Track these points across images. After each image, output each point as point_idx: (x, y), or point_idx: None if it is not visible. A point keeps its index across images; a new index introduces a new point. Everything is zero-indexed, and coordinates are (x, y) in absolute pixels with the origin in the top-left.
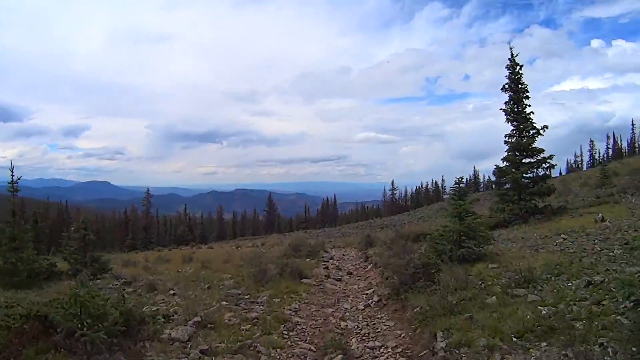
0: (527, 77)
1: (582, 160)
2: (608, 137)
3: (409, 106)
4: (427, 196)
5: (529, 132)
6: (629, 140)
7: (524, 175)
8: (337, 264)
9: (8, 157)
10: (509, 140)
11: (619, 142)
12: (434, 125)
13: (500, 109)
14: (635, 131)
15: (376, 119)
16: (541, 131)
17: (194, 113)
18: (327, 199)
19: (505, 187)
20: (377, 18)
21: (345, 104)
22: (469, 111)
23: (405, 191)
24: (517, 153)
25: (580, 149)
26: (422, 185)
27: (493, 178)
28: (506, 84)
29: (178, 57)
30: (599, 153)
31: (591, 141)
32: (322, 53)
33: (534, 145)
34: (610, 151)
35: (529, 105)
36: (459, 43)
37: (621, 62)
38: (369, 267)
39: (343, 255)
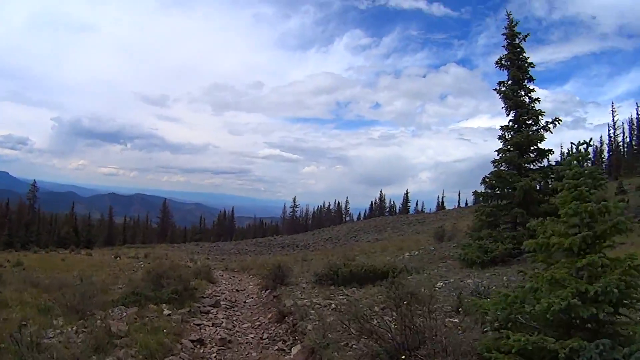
0: (437, 111)
1: None
2: None
3: (316, 127)
4: (329, 217)
5: (534, 125)
6: None
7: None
8: (224, 320)
9: None
10: (505, 135)
11: None
12: (338, 148)
13: (494, 89)
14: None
15: (282, 136)
16: (550, 126)
17: (102, 110)
18: (225, 211)
19: (490, 204)
20: (297, 38)
21: (253, 118)
22: (374, 138)
23: (307, 210)
24: (519, 152)
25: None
26: (324, 205)
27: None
28: (503, 57)
29: (95, 51)
30: None
31: None
32: (238, 66)
33: (539, 145)
34: None
35: (533, 90)
36: (374, 72)
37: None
38: (288, 340)
39: (237, 290)
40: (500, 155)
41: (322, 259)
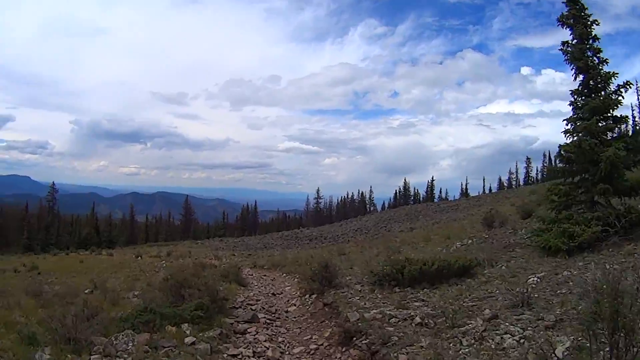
0: (455, 98)
1: (517, 178)
2: (544, 156)
3: (335, 118)
4: (352, 207)
5: (605, 89)
6: None
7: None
8: (267, 344)
9: None
10: (577, 100)
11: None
12: (358, 138)
13: (559, 50)
14: None
15: (301, 129)
16: (622, 90)
17: (120, 111)
18: (248, 205)
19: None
20: (312, 30)
21: (272, 112)
22: (393, 127)
23: (330, 201)
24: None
25: (516, 167)
26: (347, 196)
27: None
28: (566, 13)
29: (110, 53)
30: (536, 171)
31: (528, 159)
32: (254, 60)
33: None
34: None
35: (601, 50)
36: (391, 61)
37: (549, 89)
38: None
39: (273, 294)
40: (571, 124)
41: (361, 252)
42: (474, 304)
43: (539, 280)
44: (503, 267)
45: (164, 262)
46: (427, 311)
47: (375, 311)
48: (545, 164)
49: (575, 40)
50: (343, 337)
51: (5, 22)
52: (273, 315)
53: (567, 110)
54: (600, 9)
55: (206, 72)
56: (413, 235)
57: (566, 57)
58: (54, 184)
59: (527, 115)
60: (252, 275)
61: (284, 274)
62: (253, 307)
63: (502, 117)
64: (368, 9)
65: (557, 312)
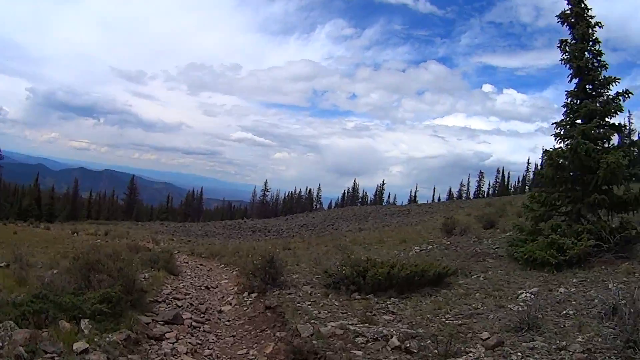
0: (413, 106)
1: (468, 190)
2: (498, 172)
3: (291, 114)
4: (299, 203)
5: (603, 94)
6: (523, 178)
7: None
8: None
9: None
10: (572, 102)
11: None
12: (311, 136)
13: (557, 46)
14: (529, 170)
15: (256, 120)
16: (620, 98)
17: (77, 84)
18: (194, 191)
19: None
20: (280, 23)
21: (229, 100)
22: (348, 129)
23: (277, 195)
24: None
25: (468, 180)
26: (295, 191)
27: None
28: (567, 10)
29: (75, 23)
30: (488, 186)
31: (481, 173)
32: (217, 47)
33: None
34: (498, 185)
35: (603, 53)
36: (354, 63)
37: (508, 109)
38: None
39: (207, 287)
40: (561, 128)
41: (307, 248)
42: (460, 322)
43: (532, 296)
44: (481, 278)
45: (99, 240)
46: (403, 329)
47: (333, 324)
48: (498, 180)
49: (574, 40)
50: (290, 355)
51: None
52: (202, 315)
53: (525, 131)
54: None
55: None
56: (364, 235)
57: (563, 57)
58: (0, 150)
59: (483, 131)
60: (187, 263)
61: (223, 265)
62: (179, 303)
63: (458, 131)
64: (338, 9)
65: (580, 340)
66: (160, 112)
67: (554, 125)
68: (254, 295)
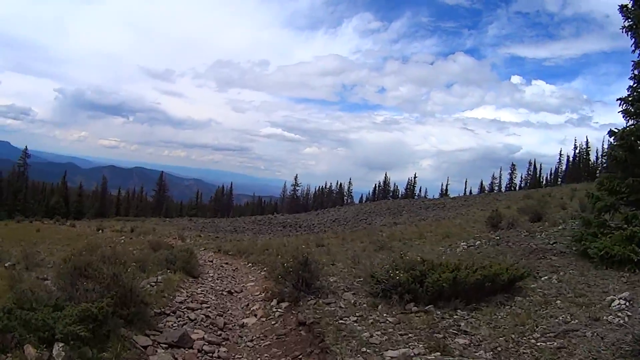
0: (443, 99)
1: (500, 183)
2: (530, 164)
3: (320, 108)
4: (330, 197)
5: None
6: (555, 170)
7: None
8: None
9: None
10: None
11: (538, 171)
12: (341, 130)
13: (618, 11)
14: (562, 162)
15: (285, 116)
16: None
17: (105, 83)
18: (223, 187)
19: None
20: (306, 18)
21: (257, 96)
22: (377, 123)
23: (308, 189)
24: None
25: (500, 172)
26: (325, 186)
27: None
28: None
29: (101, 23)
30: (521, 178)
31: (513, 165)
32: (244, 43)
33: None
34: (530, 178)
35: None
36: (382, 56)
37: (537, 100)
38: None
39: (230, 292)
40: (629, 105)
41: (342, 244)
42: (554, 344)
43: (627, 304)
44: (554, 281)
45: (123, 237)
46: None
47: (393, 354)
48: (530, 172)
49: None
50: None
51: None
52: (219, 333)
53: (555, 122)
54: (599, 25)
55: (195, 51)
56: (400, 230)
57: (625, 24)
58: (26, 148)
59: (512, 123)
60: (211, 262)
61: (250, 264)
62: (193, 315)
63: (487, 123)
64: (364, 2)
65: None
66: (189, 109)
67: (619, 101)
68: (284, 304)
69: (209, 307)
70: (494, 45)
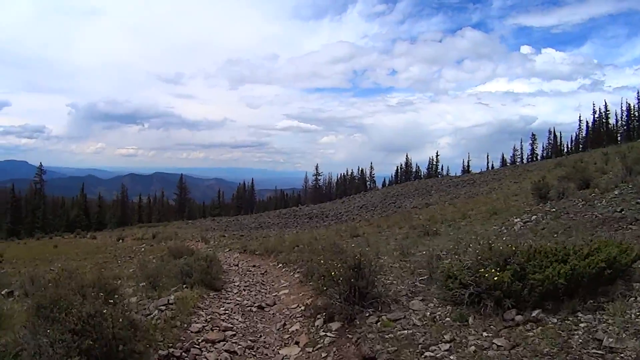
0: (454, 76)
1: (521, 154)
2: (550, 133)
3: (333, 96)
4: (352, 184)
5: None
6: (575, 137)
7: None
8: None
9: None
10: None
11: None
12: (356, 116)
13: None
14: (582, 128)
15: (300, 107)
16: None
17: (117, 93)
18: (244, 183)
19: None
20: (310, 8)
21: (270, 90)
22: (392, 105)
23: (329, 178)
24: None
25: (521, 144)
26: (347, 173)
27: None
28: None
29: (105, 34)
30: (542, 148)
31: (533, 135)
32: (252, 39)
33: None
34: (551, 147)
35: None
36: (390, 39)
37: (549, 69)
38: None
39: (259, 307)
40: None
41: (379, 232)
42: None
43: None
44: None
45: (144, 245)
46: None
47: None
48: (550, 141)
49: None
50: None
51: None
52: None
53: (568, 90)
54: None
55: (203, 52)
56: (439, 211)
57: None
58: (41, 165)
59: (526, 94)
60: (236, 266)
61: (280, 264)
62: (213, 356)
63: (501, 96)
64: None
65: None
66: (203, 110)
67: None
68: (334, 325)
69: (234, 335)
70: (501, 17)
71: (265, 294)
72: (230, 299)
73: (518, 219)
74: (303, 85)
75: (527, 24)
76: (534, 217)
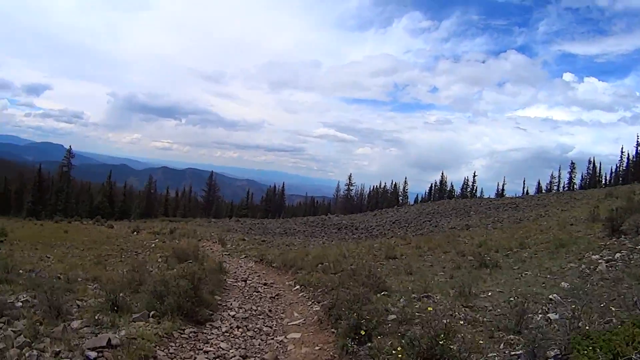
0: (495, 98)
1: (558, 182)
2: (590, 162)
3: (371, 109)
4: (385, 197)
5: None
6: (615, 169)
7: None
8: None
9: None
10: None
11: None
12: (393, 130)
13: None
14: (623, 162)
15: (337, 116)
16: None
17: (157, 86)
18: (275, 186)
19: None
20: (355, 19)
21: (309, 97)
22: (430, 122)
23: (362, 189)
24: None
25: (559, 172)
26: (380, 186)
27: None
28: None
29: (151, 27)
30: (581, 178)
31: (572, 163)
32: (295, 44)
33: None
34: (589, 177)
35: None
36: (433, 55)
37: (590, 98)
38: None
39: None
40: None
41: (420, 255)
42: None
43: None
44: None
45: (156, 240)
46: None
47: None
48: (589, 171)
49: None
50: None
51: None
52: None
53: (608, 121)
54: None
55: (246, 53)
56: (484, 235)
57: None
58: (70, 148)
59: (565, 122)
60: (244, 281)
61: (298, 286)
62: None
63: (539, 122)
64: (414, 2)
65: None
66: (241, 111)
67: None
68: None
69: None
70: (545, 43)
71: (268, 336)
72: (211, 345)
73: (597, 256)
74: (342, 94)
75: (572, 51)
76: (617, 254)
